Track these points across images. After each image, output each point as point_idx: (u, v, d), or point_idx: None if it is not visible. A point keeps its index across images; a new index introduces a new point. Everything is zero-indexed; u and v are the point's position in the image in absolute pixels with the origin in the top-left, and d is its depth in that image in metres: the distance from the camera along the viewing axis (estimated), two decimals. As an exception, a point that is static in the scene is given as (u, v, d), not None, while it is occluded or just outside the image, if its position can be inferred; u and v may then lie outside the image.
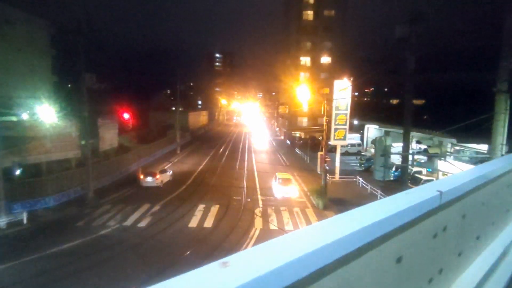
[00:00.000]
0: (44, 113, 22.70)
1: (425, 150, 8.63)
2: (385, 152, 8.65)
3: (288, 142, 51.85)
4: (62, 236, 16.09)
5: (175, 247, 15.37)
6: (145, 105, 70.11)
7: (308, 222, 19.16)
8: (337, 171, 28.29)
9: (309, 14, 55.37)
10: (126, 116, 22.89)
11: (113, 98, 34.70)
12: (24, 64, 29.74)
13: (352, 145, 42.77)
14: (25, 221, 17.66)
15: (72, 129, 22.72)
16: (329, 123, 24.38)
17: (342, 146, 44.21)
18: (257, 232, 17.33)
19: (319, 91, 44.91)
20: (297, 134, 56.11)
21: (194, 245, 15.60)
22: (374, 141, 9.65)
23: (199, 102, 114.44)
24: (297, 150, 45.41)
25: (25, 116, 24.91)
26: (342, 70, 47.18)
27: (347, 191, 25.86)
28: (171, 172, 28.22)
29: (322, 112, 24.50)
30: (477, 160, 12.40)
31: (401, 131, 31.59)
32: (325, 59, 55.58)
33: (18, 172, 19.45)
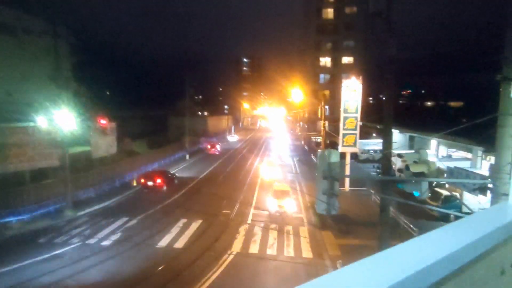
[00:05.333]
0: (62, 119, 21.78)
1: (407, 168, 6.29)
2: (328, 174, 5.86)
3: (306, 147, 48.57)
4: (16, 254, 14.64)
5: (142, 265, 13.29)
6: (165, 110, 70.06)
7: (297, 244, 16.28)
8: (347, 181, 24.94)
9: (329, 12, 52.00)
10: (103, 122, 21.48)
11: (111, 105, 33.91)
12: (43, 71, 29.56)
13: (374, 151, 39.00)
14: (-13, 235, 16.56)
15: (57, 135, 21.74)
16: (326, 127, 21.35)
17: (362, 153, 40.39)
18: (231, 257, 14.79)
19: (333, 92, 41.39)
20: (318, 139, 52.49)
21: (163, 264, 13.61)
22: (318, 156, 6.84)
23: (226, 107, 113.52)
24: (312, 157, 42.10)
25: (43, 122, 24.23)
26: (365, 70, 43.48)
27: (355, 205, 22.39)
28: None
29: (319, 116, 21.52)
30: (475, 187, 8.97)
31: (428, 136, 27.61)
32: (347, 59, 51.81)
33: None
